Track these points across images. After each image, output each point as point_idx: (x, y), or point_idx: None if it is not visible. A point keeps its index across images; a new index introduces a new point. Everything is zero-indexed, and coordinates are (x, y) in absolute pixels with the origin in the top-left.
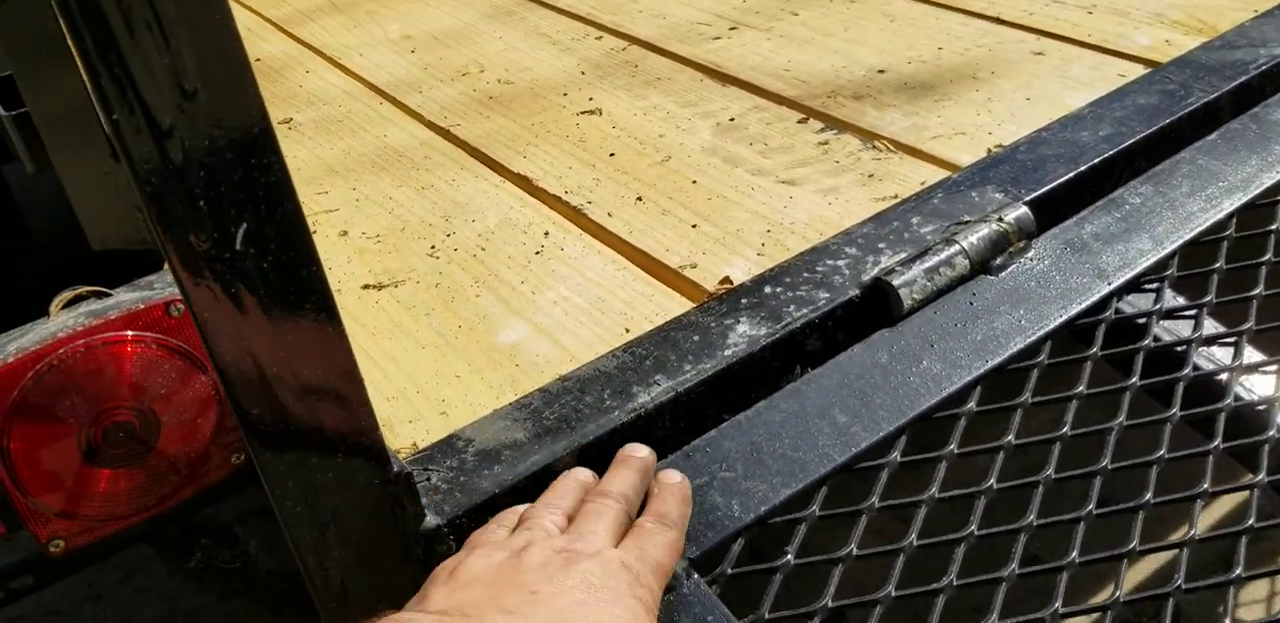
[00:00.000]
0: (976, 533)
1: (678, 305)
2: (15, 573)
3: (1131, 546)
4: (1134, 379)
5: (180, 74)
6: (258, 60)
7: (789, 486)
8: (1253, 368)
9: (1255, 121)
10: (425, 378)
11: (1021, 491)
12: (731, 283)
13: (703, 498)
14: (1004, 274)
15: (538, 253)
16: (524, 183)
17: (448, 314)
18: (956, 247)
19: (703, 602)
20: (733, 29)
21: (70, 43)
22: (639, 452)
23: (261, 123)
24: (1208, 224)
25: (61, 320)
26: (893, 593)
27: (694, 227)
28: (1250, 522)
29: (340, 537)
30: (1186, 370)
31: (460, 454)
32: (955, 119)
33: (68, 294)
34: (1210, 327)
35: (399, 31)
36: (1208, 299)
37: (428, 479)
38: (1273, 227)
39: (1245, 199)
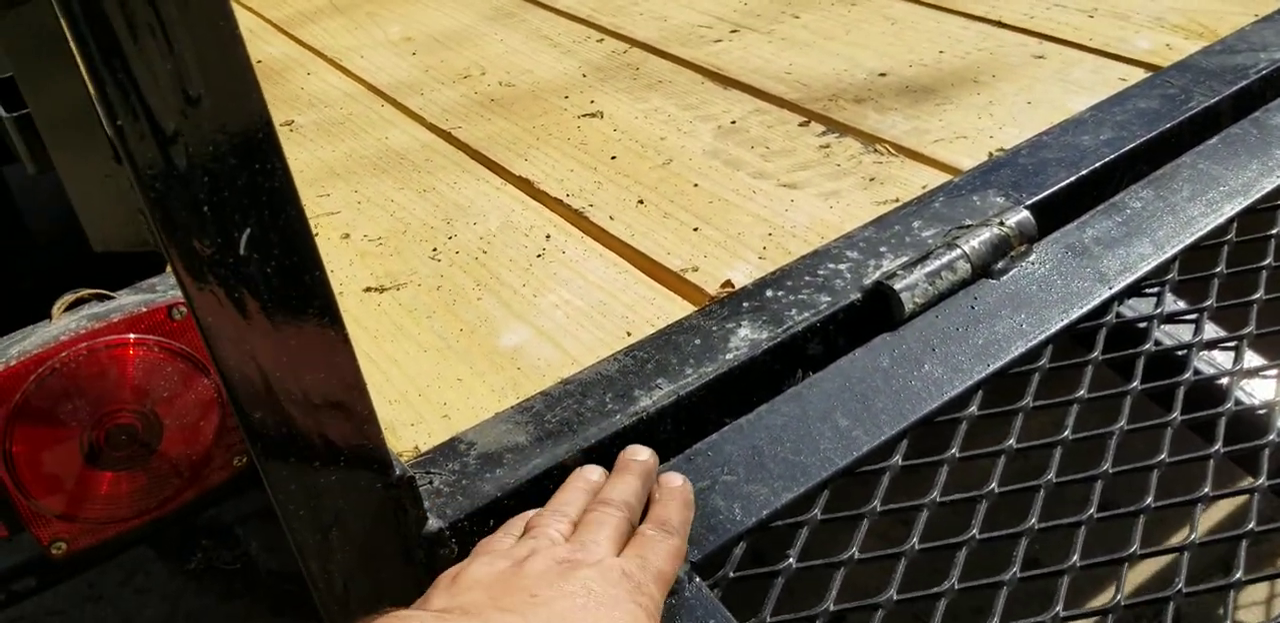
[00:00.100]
0: (978, 537)
1: (679, 309)
2: (17, 575)
3: (1132, 549)
4: (1135, 383)
5: (184, 79)
6: (259, 62)
7: (791, 489)
8: (1253, 372)
9: (1256, 126)
10: (427, 381)
11: (1023, 494)
12: (733, 286)
13: (704, 502)
14: (1005, 278)
15: (539, 256)
16: (525, 186)
17: (449, 317)
18: (958, 250)
19: (704, 605)
20: (734, 32)
21: (74, 48)
22: (640, 455)
23: (265, 128)
24: (1209, 228)
25: (64, 323)
26: (894, 597)
27: (695, 230)
28: (1250, 526)
29: (343, 540)
30: (1187, 375)
31: (462, 457)
32: (956, 122)
33: (69, 297)
34: (1211, 331)
35: (400, 33)
36: (1208, 303)
37: (430, 482)
38: (1273, 231)
39: (1246, 203)
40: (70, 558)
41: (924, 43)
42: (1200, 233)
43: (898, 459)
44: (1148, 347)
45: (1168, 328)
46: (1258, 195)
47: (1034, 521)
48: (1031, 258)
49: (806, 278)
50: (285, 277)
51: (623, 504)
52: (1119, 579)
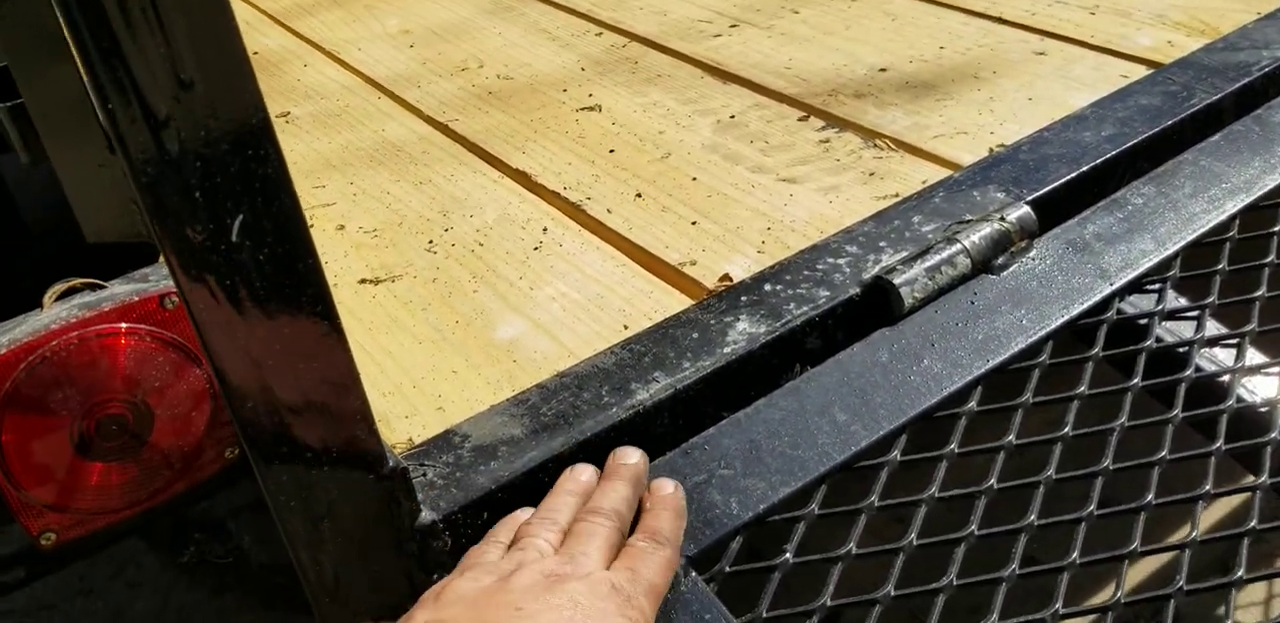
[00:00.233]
0: (976, 533)
1: (677, 302)
2: (6, 566)
3: (1132, 547)
4: (1136, 380)
5: (177, 63)
6: (256, 53)
7: (788, 484)
8: (1255, 370)
9: (1258, 123)
10: (422, 373)
11: (1022, 491)
12: (731, 280)
13: (701, 496)
14: (1005, 274)
15: (536, 249)
16: (523, 178)
17: (445, 309)
18: (958, 245)
19: (700, 600)
20: (733, 26)
21: (66, 32)
22: (630, 458)
23: (259, 113)
24: (1210, 225)
25: (55, 312)
26: (891, 593)
27: (694, 224)
28: (1252, 524)
29: (335, 532)
30: (1188, 372)
31: (457, 450)
32: (957, 118)
33: (61, 286)
34: (1212, 328)
35: (398, 26)
36: (1210, 300)
37: (424, 475)
38: (1275, 228)
39: (1248, 201)
40: (60, 549)
41: (924, 38)
42: (1202, 230)
43: (896, 455)
44: (1149, 343)
45: (1169, 325)
46: (1260, 193)
47: (1033, 517)
48: (1032, 254)
49: (805, 272)
50: (278, 265)
51: (613, 513)
52: (1119, 577)
